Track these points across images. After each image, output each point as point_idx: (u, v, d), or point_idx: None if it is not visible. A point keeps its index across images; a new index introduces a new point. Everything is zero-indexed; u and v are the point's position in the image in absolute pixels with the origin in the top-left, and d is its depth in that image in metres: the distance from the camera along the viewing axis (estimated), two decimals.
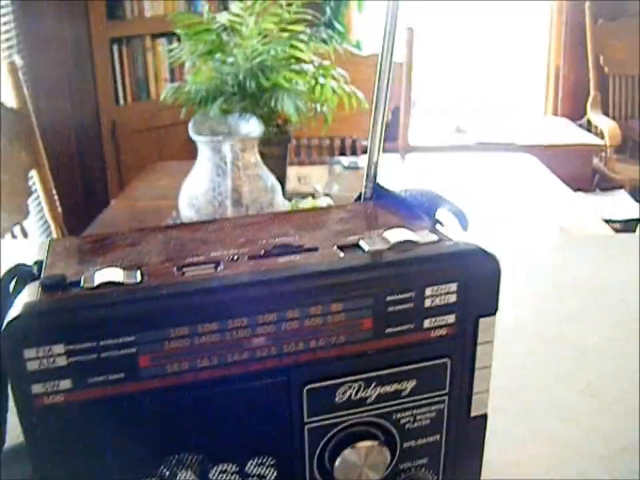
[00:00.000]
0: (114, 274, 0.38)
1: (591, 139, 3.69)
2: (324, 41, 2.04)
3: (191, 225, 0.48)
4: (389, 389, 0.42)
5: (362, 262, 0.41)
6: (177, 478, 0.39)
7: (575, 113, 4.04)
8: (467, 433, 0.46)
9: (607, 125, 3.68)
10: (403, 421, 0.44)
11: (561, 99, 4.13)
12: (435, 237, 0.43)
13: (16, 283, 0.40)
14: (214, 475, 0.40)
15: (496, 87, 4.35)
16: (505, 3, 4.18)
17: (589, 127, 3.90)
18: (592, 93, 3.91)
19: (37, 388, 0.36)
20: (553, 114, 4.18)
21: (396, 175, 2.03)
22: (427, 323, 0.42)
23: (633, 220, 2.88)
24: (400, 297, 0.41)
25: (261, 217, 0.49)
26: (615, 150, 3.72)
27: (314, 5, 2.04)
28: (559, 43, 4.06)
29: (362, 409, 0.42)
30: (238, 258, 0.41)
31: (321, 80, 2.00)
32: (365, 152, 2.78)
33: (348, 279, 0.40)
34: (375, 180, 0.51)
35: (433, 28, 4.09)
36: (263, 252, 0.42)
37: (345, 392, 0.41)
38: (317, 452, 0.42)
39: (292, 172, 2.08)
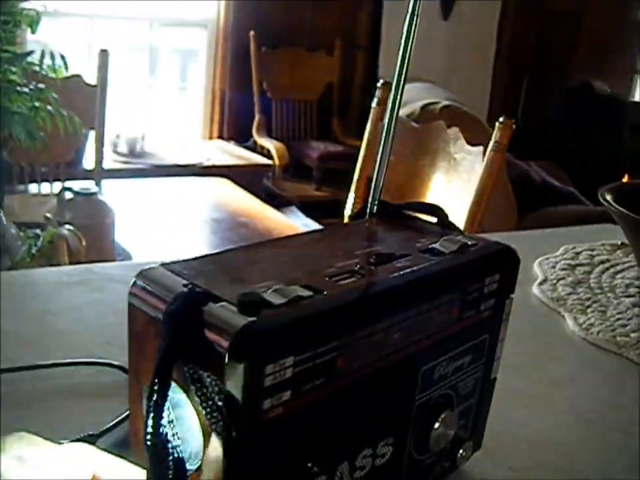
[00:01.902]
0: (292, 290, 0.39)
1: (261, 160, 3.94)
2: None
3: (265, 244, 0.50)
4: (457, 364, 0.49)
5: (456, 261, 0.47)
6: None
7: (241, 135, 4.27)
8: (486, 393, 0.54)
9: (273, 146, 3.95)
10: (460, 390, 0.51)
11: (227, 121, 4.33)
12: (474, 240, 0.51)
13: (186, 306, 0.38)
14: (358, 460, 0.44)
15: (159, 112, 4.44)
16: (166, 30, 4.30)
17: (255, 149, 4.14)
18: (257, 116, 4.17)
19: (266, 403, 0.36)
20: (219, 137, 4.36)
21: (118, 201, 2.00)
22: (482, 307, 0.50)
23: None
24: (475, 287, 0.48)
25: (315, 233, 0.53)
26: (283, 169, 4.00)
27: None
28: (224, 68, 4.26)
29: (443, 383, 0.48)
30: (362, 267, 0.45)
31: (37, 104, 1.92)
32: (45, 180, 2.70)
33: (453, 275, 0.47)
34: (380, 198, 0.57)
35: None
36: (374, 260, 0.46)
37: (439, 370, 0.47)
38: (417, 426, 0.47)
39: None
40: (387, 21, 4.36)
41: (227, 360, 0.35)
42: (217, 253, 0.46)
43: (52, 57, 1.80)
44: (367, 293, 0.42)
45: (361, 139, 4.29)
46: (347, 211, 2.15)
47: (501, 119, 1.69)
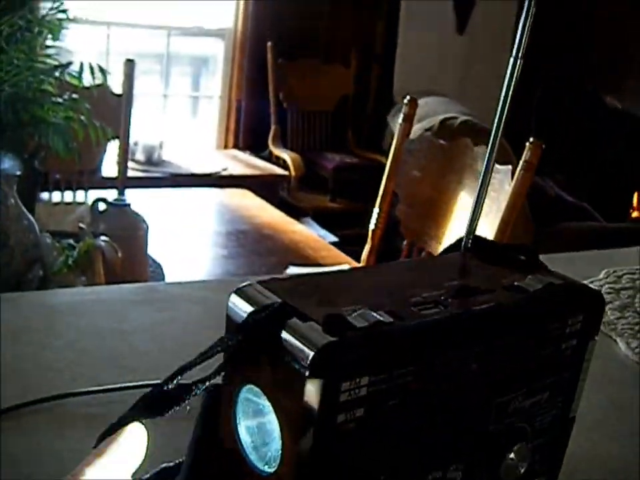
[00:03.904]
0: (375, 315, 0.42)
1: (277, 170, 3.97)
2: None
3: (356, 270, 0.53)
4: (534, 399, 0.51)
5: (538, 300, 0.49)
6: None
7: (257, 145, 4.29)
8: (564, 431, 0.56)
9: (289, 157, 3.98)
10: (536, 425, 0.53)
11: (243, 131, 4.36)
12: (561, 280, 0.52)
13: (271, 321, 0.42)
14: None
15: (175, 121, 4.47)
16: (183, 39, 4.34)
17: (270, 159, 4.17)
18: (273, 126, 4.20)
19: (340, 417, 0.38)
20: (234, 146, 4.39)
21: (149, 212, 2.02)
22: (563, 346, 0.52)
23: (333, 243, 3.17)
24: (555, 325, 0.50)
25: (407, 263, 0.55)
26: (298, 180, 4.03)
27: None
28: (241, 78, 4.29)
29: (518, 417, 0.50)
30: (447, 298, 0.47)
31: (71, 114, 1.94)
32: (69, 187, 2.72)
33: (534, 312, 0.49)
34: (475, 232, 0.59)
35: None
36: (458, 293, 0.48)
37: (514, 403, 0.49)
38: (489, 455, 0.50)
39: None
40: (403, 33, 4.40)
41: (307, 374, 0.38)
42: (309, 275, 0.49)
43: (91, 69, 1.83)
44: (445, 323, 0.44)
45: (376, 151, 4.33)
46: (372, 226, 2.18)
47: (530, 139, 1.72)
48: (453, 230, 2.03)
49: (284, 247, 2.17)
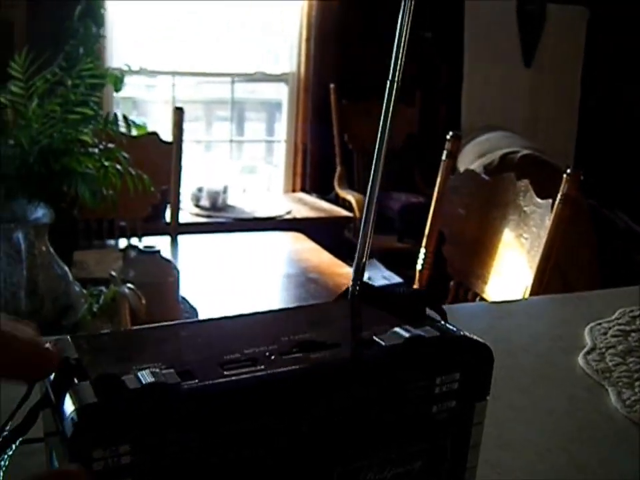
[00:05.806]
0: (163, 374, 0.37)
1: (342, 212, 3.93)
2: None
3: (207, 321, 0.48)
4: (401, 469, 0.44)
5: (386, 357, 0.43)
6: None
7: (323, 187, 4.28)
8: None
9: (354, 198, 3.94)
10: None
11: (309, 174, 4.35)
12: (437, 332, 0.45)
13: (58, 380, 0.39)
14: None
15: (243, 165, 4.51)
16: (247, 85, 4.39)
17: (337, 201, 4.14)
18: (338, 168, 4.18)
19: None
20: (302, 189, 4.39)
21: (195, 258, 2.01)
22: (434, 409, 0.45)
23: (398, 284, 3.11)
24: (415, 386, 0.43)
25: (267, 313, 0.50)
26: None
27: None
28: (305, 122, 4.30)
29: None
30: (271, 355, 0.42)
31: (106, 163, 1.95)
32: (124, 234, 2.76)
33: (377, 373, 0.43)
34: (362, 278, 0.53)
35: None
36: (291, 349, 0.43)
37: (367, 475, 0.43)
38: None
39: None
40: (469, 68, 4.33)
41: (66, 439, 0.35)
42: (139, 329, 0.46)
43: (115, 119, 1.84)
44: (235, 387, 0.39)
45: None
46: (418, 266, 2.11)
47: (568, 170, 1.63)
48: (498, 268, 1.94)
49: (327, 291, 2.11)
